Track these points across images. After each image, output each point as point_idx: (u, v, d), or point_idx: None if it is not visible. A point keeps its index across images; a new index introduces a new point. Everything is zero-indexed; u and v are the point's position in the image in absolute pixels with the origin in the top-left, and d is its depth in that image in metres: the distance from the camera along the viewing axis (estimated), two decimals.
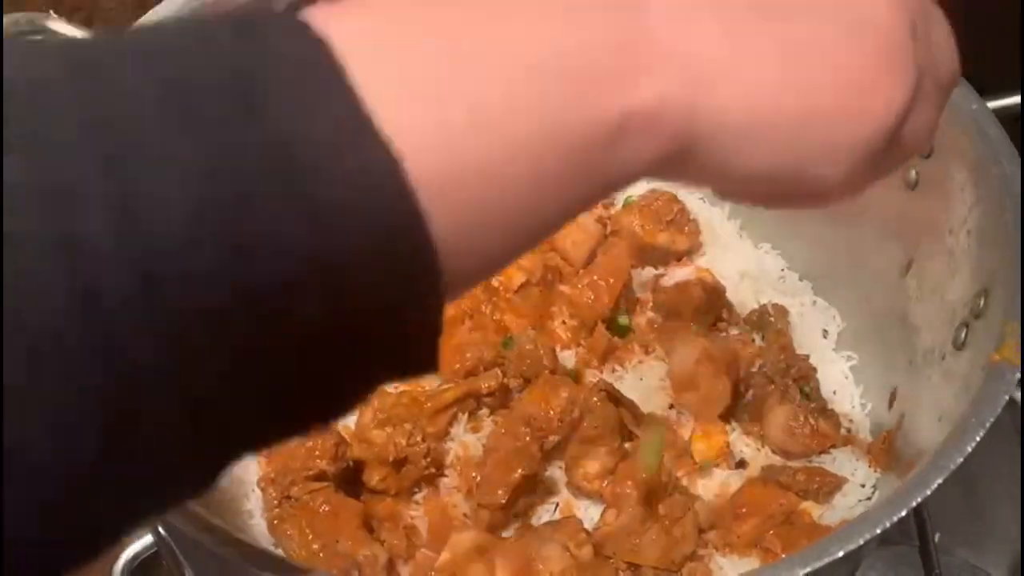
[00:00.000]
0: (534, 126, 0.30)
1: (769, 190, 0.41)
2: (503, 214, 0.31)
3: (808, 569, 0.56)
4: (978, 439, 0.63)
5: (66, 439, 0.26)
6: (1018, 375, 0.67)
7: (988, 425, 0.64)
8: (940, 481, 0.61)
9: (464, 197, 0.29)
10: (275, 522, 0.88)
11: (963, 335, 0.82)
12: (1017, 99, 0.92)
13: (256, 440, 0.34)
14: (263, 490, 0.91)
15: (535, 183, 0.31)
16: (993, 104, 0.90)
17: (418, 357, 0.32)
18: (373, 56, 0.29)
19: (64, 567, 0.30)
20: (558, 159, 0.31)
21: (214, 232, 0.26)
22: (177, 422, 0.29)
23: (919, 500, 0.60)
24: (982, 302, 0.79)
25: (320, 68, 0.28)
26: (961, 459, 0.62)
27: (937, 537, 1.00)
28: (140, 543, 0.92)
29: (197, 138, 0.27)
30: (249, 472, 0.96)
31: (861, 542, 0.57)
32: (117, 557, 0.93)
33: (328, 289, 0.28)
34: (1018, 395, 1.01)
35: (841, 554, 0.57)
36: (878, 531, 0.58)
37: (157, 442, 0.29)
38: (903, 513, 0.59)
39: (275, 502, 0.90)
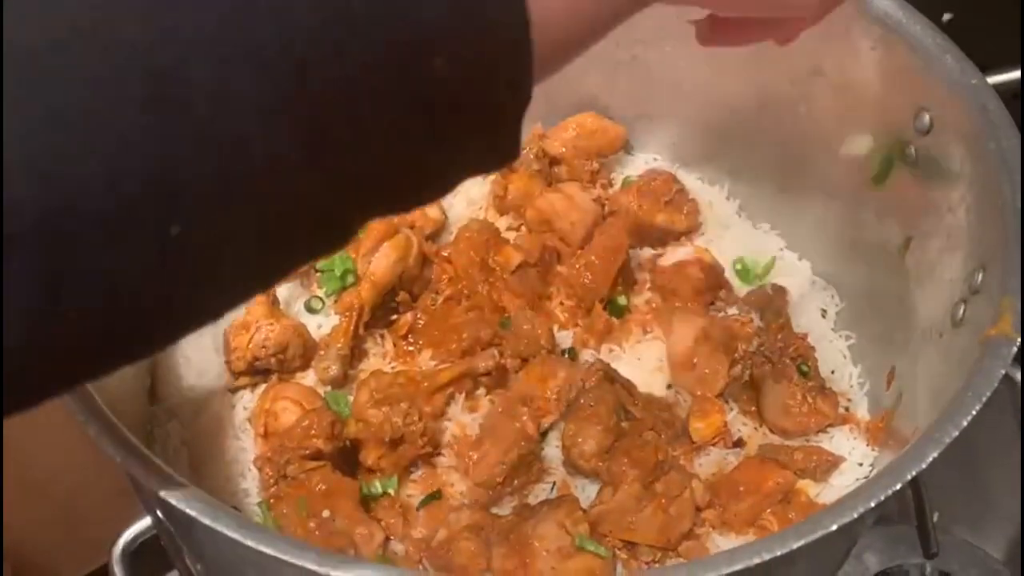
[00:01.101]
0: None
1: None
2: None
3: (802, 542, 0.55)
4: (974, 412, 0.63)
5: None
6: (1014, 349, 0.67)
7: (984, 399, 0.63)
8: (935, 455, 0.60)
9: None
10: (271, 501, 0.88)
11: (961, 312, 0.82)
12: (1017, 74, 0.91)
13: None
14: (260, 469, 0.91)
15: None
16: (994, 79, 0.89)
17: (506, 134, 0.42)
18: None
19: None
20: None
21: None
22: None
23: (914, 473, 0.59)
24: (980, 278, 0.79)
25: None
26: (956, 432, 0.61)
27: (936, 516, 1.00)
28: (139, 525, 0.92)
29: None
30: (246, 452, 0.96)
31: (855, 515, 0.57)
32: (116, 540, 0.93)
33: (451, 51, 0.36)
34: (1017, 375, 1.01)
35: (835, 527, 0.56)
36: (872, 504, 0.57)
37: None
38: (897, 487, 0.59)
39: (271, 481, 0.90)
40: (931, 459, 0.60)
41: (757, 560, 0.54)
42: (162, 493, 0.59)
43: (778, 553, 0.55)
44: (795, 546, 0.55)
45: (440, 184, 0.43)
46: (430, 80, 0.36)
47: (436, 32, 0.36)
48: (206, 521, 0.58)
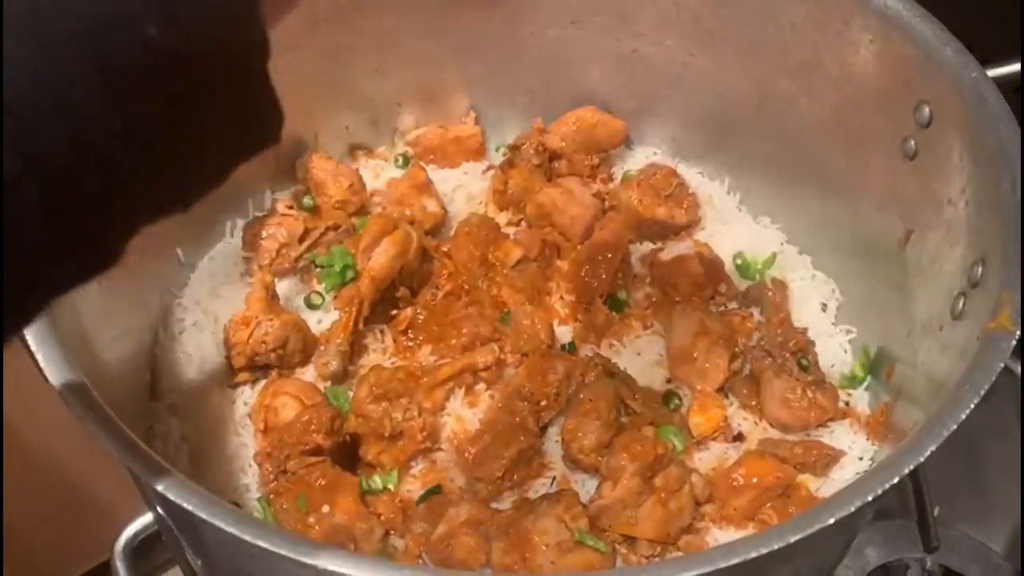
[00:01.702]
0: None
1: None
2: None
3: (800, 536, 0.55)
4: (972, 406, 0.62)
5: None
6: (1013, 342, 0.67)
7: (983, 392, 0.63)
8: (933, 448, 0.60)
9: None
10: (271, 496, 0.88)
11: (961, 305, 0.81)
12: (1017, 67, 0.90)
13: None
14: (260, 465, 0.91)
15: None
16: (994, 72, 0.89)
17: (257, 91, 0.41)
18: None
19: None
20: None
21: None
22: None
23: (911, 467, 0.59)
24: (980, 271, 0.78)
25: None
26: (955, 426, 0.61)
27: (937, 511, 1.00)
28: (140, 521, 0.92)
29: None
30: (246, 447, 0.96)
31: (852, 509, 0.57)
32: (118, 535, 0.93)
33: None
34: (1018, 368, 1.01)
35: (832, 521, 0.56)
36: (869, 498, 0.57)
37: None
38: (895, 480, 0.59)
39: (271, 476, 0.90)
40: (929, 452, 0.60)
41: (754, 554, 0.54)
42: (161, 489, 0.59)
43: (776, 547, 0.55)
44: (792, 540, 0.55)
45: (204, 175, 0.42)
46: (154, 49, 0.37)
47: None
48: (204, 516, 0.59)
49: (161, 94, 0.37)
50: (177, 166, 0.39)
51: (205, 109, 0.38)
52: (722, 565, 0.53)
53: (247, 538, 0.56)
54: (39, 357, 0.65)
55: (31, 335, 0.67)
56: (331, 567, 0.53)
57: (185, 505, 0.58)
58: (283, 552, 0.54)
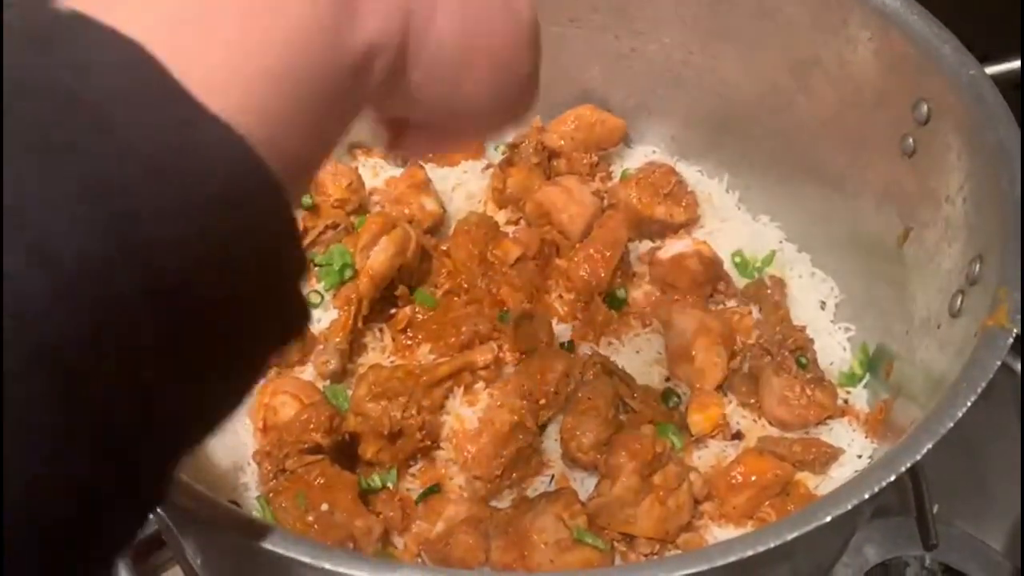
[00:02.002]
0: (310, 74, 0.37)
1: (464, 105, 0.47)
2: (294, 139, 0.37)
3: (796, 533, 0.55)
4: (970, 403, 0.62)
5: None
6: (1011, 339, 0.67)
7: (980, 389, 0.63)
8: (930, 446, 0.60)
9: (277, 142, 0.35)
10: (270, 495, 0.88)
11: (959, 302, 0.81)
12: (1017, 64, 0.90)
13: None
14: (259, 464, 0.91)
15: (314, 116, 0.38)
16: (993, 69, 0.89)
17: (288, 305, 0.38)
18: (173, 46, 0.33)
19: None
20: (327, 94, 0.38)
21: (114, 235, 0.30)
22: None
23: (908, 465, 0.59)
24: (978, 268, 0.78)
25: (145, 70, 0.32)
26: (951, 423, 0.61)
27: (936, 509, 1.00)
28: None
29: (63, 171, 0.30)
30: (245, 446, 0.96)
31: (849, 507, 0.57)
32: None
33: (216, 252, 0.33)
34: (1017, 366, 1.01)
35: (829, 519, 0.56)
36: (867, 496, 0.57)
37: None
38: (892, 478, 0.59)
39: (270, 475, 0.90)
40: (926, 450, 0.60)
41: (751, 552, 0.54)
42: None
43: (772, 545, 0.55)
44: (790, 537, 0.55)
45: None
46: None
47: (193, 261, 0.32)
48: (205, 516, 0.58)
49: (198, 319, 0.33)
50: (207, 384, 0.35)
51: (238, 323, 0.35)
52: (719, 563, 0.53)
53: (245, 538, 0.56)
54: None
55: None
56: (328, 566, 0.54)
57: (186, 507, 0.58)
58: (279, 551, 0.54)
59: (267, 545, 0.57)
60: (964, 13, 0.93)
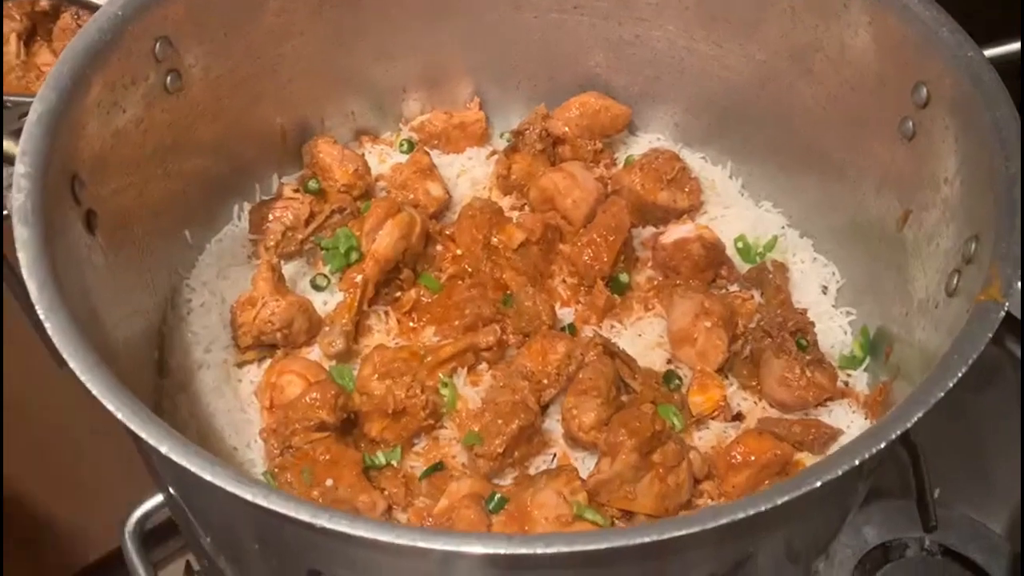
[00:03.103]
0: None
1: None
2: None
3: (787, 497, 0.56)
4: (960, 374, 0.63)
5: None
6: (1003, 313, 0.67)
7: (971, 361, 0.64)
8: (921, 414, 0.61)
9: None
10: (276, 471, 0.90)
11: (955, 281, 0.82)
12: (1017, 45, 0.91)
13: None
14: (265, 441, 0.93)
15: None
16: (993, 51, 0.90)
17: None
18: None
19: None
20: None
21: None
22: None
23: (899, 432, 0.60)
24: (973, 247, 0.79)
25: None
26: (942, 393, 0.62)
27: (937, 493, 1.00)
28: (150, 503, 0.93)
29: None
30: (251, 424, 0.98)
31: (840, 472, 0.58)
32: (127, 517, 0.94)
33: None
34: (1018, 350, 1.01)
35: (819, 483, 0.57)
36: (856, 462, 0.58)
37: None
38: (882, 445, 0.60)
39: (277, 452, 0.91)
40: (916, 419, 0.61)
41: (742, 515, 0.55)
42: (163, 449, 0.61)
43: (763, 508, 0.56)
44: (779, 501, 0.56)
45: None
46: None
47: None
48: (207, 477, 0.60)
49: None
50: None
51: None
52: (711, 525, 0.55)
53: (247, 497, 0.58)
54: (50, 330, 0.67)
55: (43, 311, 0.68)
56: (328, 525, 0.55)
57: (194, 470, 0.60)
58: (280, 510, 0.56)
59: (264, 504, 0.57)
60: None
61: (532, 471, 0.95)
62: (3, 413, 1.58)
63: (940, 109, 0.89)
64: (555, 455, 0.97)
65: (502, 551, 0.54)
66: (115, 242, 0.90)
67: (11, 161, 0.77)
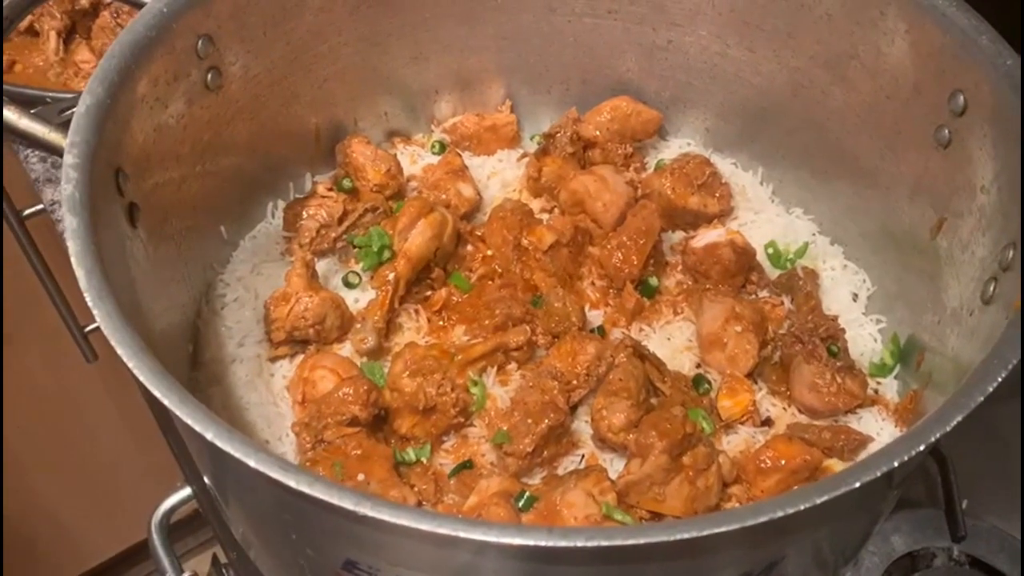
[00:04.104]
0: None
1: None
2: None
3: (826, 497, 0.56)
4: (1000, 378, 0.63)
5: None
6: None
7: (1011, 366, 0.64)
8: (960, 418, 0.61)
9: None
10: (308, 465, 0.91)
11: (992, 289, 0.82)
12: None
13: None
14: (297, 435, 0.94)
15: None
16: None
17: None
18: None
19: None
20: None
21: None
22: None
23: (937, 436, 0.60)
24: (1011, 254, 0.79)
25: None
26: (981, 398, 0.62)
27: (965, 503, 1.00)
28: (177, 496, 0.94)
29: None
30: (283, 417, 0.99)
31: (878, 473, 0.58)
32: (155, 510, 0.95)
33: None
34: None
35: (858, 484, 0.57)
36: (895, 464, 0.58)
37: None
38: (921, 447, 0.59)
39: (308, 446, 0.92)
40: (955, 423, 0.61)
41: (781, 513, 0.55)
42: (208, 435, 0.62)
43: (802, 507, 0.56)
44: (819, 501, 0.56)
45: None
46: None
47: None
48: (251, 463, 0.60)
49: None
50: None
51: None
52: (750, 523, 0.55)
53: (290, 483, 0.58)
54: (99, 317, 0.67)
55: (92, 299, 0.69)
56: (370, 513, 0.56)
57: (232, 452, 0.60)
58: (337, 502, 0.56)
59: (309, 491, 0.58)
60: (1002, 2, 0.93)
61: (560, 471, 0.96)
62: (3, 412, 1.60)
63: (978, 117, 0.89)
64: (583, 456, 0.97)
65: (543, 543, 0.54)
66: (154, 236, 0.91)
67: (58, 152, 0.78)
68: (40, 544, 1.91)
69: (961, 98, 0.91)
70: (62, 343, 1.38)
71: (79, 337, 1.32)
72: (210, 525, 0.98)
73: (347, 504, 0.56)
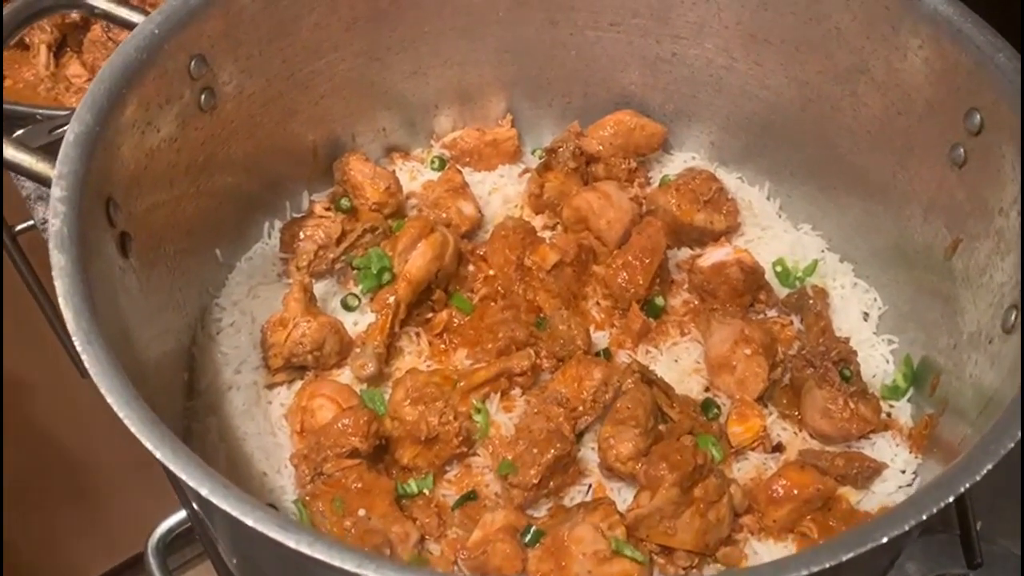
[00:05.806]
0: None
1: None
2: None
3: (851, 554, 0.54)
4: None
5: None
6: None
7: None
8: (990, 466, 0.59)
9: None
10: (307, 498, 0.88)
11: (1013, 318, 0.80)
12: None
13: None
14: (296, 467, 0.91)
15: None
16: None
17: None
18: None
19: None
20: None
21: None
22: None
23: (967, 486, 0.57)
24: None
25: None
26: (1012, 444, 0.59)
27: (979, 525, 0.97)
28: (174, 518, 0.93)
29: None
30: (282, 448, 0.96)
31: (907, 527, 0.55)
32: (152, 532, 0.93)
33: None
34: None
35: (885, 540, 0.55)
36: (924, 517, 0.56)
37: None
38: (950, 499, 0.57)
39: (308, 479, 0.90)
40: (985, 471, 0.59)
41: (805, 572, 0.53)
42: (203, 492, 0.59)
43: (827, 565, 0.53)
44: (844, 558, 0.54)
45: None
46: None
47: None
48: (248, 521, 0.58)
49: None
50: None
51: None
52: None
53: (290, 544, 0.56)
54: (87, 362, 0.65)
55: (80, 343, 0.67)
56: (370, 574, 0.53)
57: (229, 510, 0.58)
58: (323, 558, 0.54)
59: (308, 552, 0.56)
60: (1017, 19, 0.91)
61: (567, 501, 0.93)
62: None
63: (996, 137, 0.86)
64: (590, 485, 0.95)
65: None
66: (147, 262, 0.88)
67: (46, 183, 0.75)
68: (35, 558, 1.89)
69: (978, 117, 0.88)
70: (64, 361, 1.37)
71: (73, 352, 1.29)
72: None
73: (349, 566, 0.53)
